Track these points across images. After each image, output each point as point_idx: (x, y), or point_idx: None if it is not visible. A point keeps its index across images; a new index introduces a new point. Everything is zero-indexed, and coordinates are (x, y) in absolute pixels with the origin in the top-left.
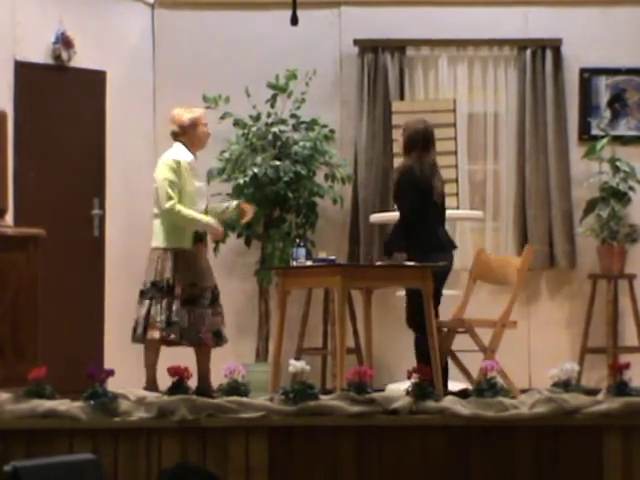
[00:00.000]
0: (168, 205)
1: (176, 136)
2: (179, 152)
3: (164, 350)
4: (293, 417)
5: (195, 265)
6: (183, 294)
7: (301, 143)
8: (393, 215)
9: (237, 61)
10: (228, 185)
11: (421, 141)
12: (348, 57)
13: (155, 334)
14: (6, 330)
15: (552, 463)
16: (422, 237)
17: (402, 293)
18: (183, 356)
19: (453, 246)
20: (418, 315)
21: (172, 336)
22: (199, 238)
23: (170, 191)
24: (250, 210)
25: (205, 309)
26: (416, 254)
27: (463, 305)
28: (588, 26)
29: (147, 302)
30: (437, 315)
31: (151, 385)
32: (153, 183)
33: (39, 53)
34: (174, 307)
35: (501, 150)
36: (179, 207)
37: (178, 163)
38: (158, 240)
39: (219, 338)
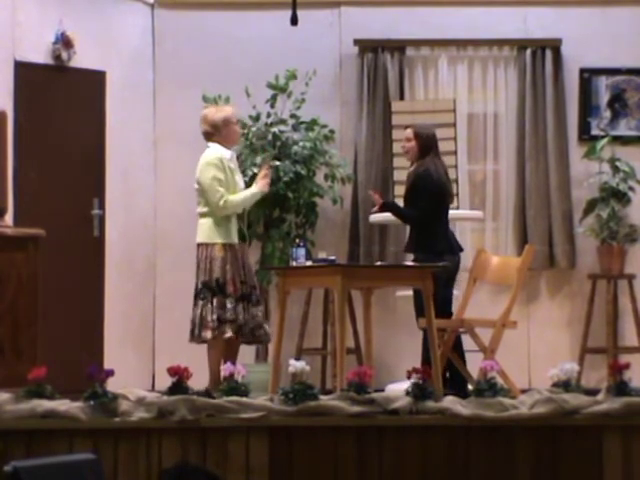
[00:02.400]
0: (221, 203)
1: (209, 136)
2: (218, 150)
3: (171, 349)
4: (293, 417)
5: (243, 262)
6: (237, 291)
7: (301, 143)
8: (392, 215)
9: (237, 61)
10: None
11: (434, 146)
12: (348, 57)
13: (208, 334)
14: (6, 330)
15: (552, 463)
16: (434, 240)
17: (402, 293)
18: (194, 354)
19: (460, 249)
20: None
21: (227, 335)
22: (242, 237)
23: (220, 188)
24: (264, 174)
25: (256, 307)
26: (427, 255)
27: (463, 305)
28: (588, 26)
29: (200, 302)
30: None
31: (215, 386)
32: (194, 185)
33: (39, 53)
34: (228, 305)
35: (501, 150)
36: (230, 198)
37: (221, 160)
38: (204, 236)
39: (266, 335)
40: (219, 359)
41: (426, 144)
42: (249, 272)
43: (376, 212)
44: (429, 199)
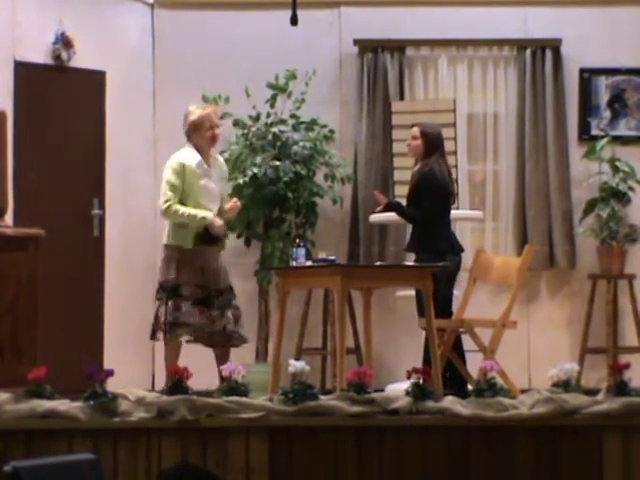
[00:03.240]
0: (163, 207)
1: (186, 137)
2: (186, 154)
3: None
4: (293, 417)
5: (202, 267)
6: (193, 294)
7: (301, 143)
8: (393, 215)
9: (237, 61)
10: (228, 185)
11: (440, 146)
12: (348, 57)
13: (160, 335)
14: (6, 330)
15: (552, 463)
16: (436, 240)
17: (402, 293)
18: (194, 354)
19: (461, 249)
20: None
21: (182, 338)
22: (208, 240)
23: (169, 193)
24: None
25: (219, 310)
26: (429, 255)
27: (463, 305)
28: (588, 26)
29: (157, 303)
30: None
31: None
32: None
33: (39, 53)
34: (184, 308)
35: (501, 150)
36: (175, 207)
37: (182, 166)
38: (165, 237)
39: (238, 338)
40: (173, 361)
41: (432, 143)
42: (212, 276)
43: (380, 212)
44: (433, 199)
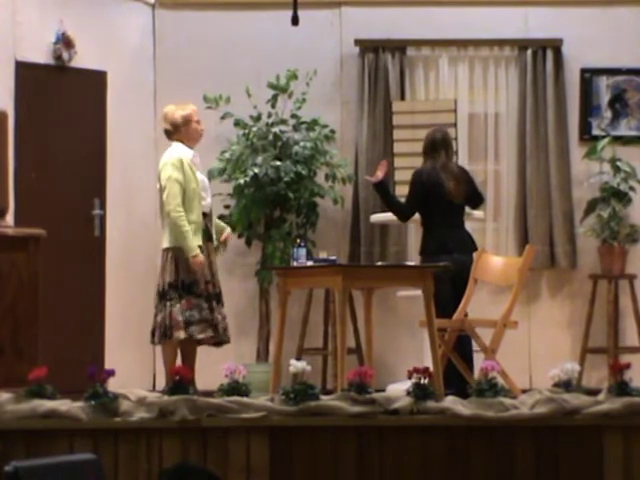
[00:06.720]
0: (172, 206)
1: (170, 135)
2: (180, 150)
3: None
4: (293, 417)
5: (210, 263)
6: (205, 292)
7: (302, 143)
8: (393, 215)
9: (238, 61)
10: (229, 185)
11: (428, 147)
12: (349, 57)
13: (180, 334)
14: (6, 330)
15: (552, 463)
16: (425, 239)
17: (403, 293)
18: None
19: (459, 249)
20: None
21: (201, 335)
22: (209, 237)
23: (176, 190)
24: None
25: (221, 307)
26: (423, 256)
27: (464, 305)
28: (588, 26)
29: (168, 304)
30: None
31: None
32: (157, 184)
33: (40, 53)
34: (203, 305)
35: (502, 150)
36: (181, 213)
37: (181, 161)
38: (168, 241)
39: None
40: (175, 360)
41: (423, 146)
42: (215, 272)
43: (373, 183)
44: (410, 197)
